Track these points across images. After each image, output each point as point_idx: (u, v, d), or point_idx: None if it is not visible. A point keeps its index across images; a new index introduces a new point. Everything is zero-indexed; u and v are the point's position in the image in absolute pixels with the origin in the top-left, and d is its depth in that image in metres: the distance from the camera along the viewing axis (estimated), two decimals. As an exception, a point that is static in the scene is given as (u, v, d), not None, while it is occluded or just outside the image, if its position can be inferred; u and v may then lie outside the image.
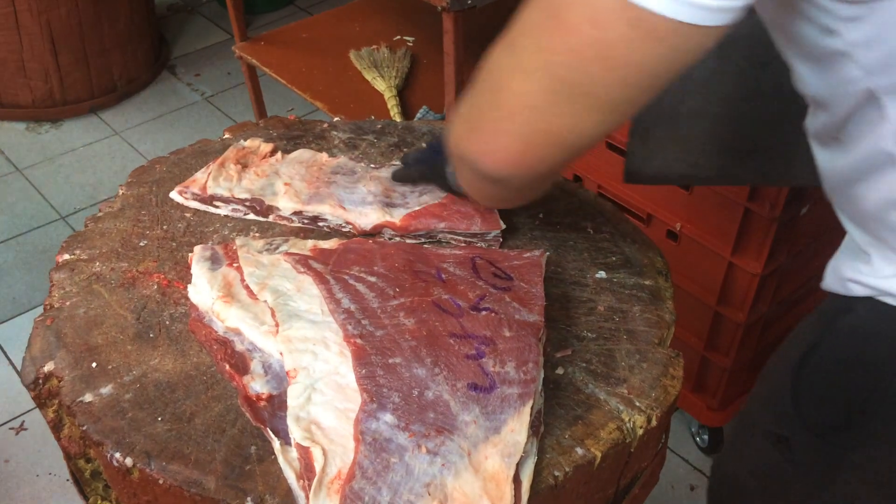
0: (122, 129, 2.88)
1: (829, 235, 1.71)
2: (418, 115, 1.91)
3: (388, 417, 0.76)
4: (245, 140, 1.11)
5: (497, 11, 1.87)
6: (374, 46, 2.24)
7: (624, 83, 0.64)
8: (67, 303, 0.90)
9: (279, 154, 1.08)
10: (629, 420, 0.82)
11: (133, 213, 1.03)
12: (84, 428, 0.78)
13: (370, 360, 0.79)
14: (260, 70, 2.25)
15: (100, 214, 1.03)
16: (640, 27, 0.60)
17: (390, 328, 0.82)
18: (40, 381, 0.83)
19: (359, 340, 0.81)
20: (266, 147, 1.09)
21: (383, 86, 2.05)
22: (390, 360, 0.79)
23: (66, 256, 0.96)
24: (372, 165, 1.07)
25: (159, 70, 3.18)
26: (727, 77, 1.02)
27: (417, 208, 0.98)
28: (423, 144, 1.09)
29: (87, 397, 0.81)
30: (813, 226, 1.55)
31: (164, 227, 1.01)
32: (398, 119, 1.91)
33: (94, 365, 0.84)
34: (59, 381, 0.82)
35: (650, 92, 0.66)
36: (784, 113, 1.00)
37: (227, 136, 1.18)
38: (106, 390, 0.81)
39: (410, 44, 2.29)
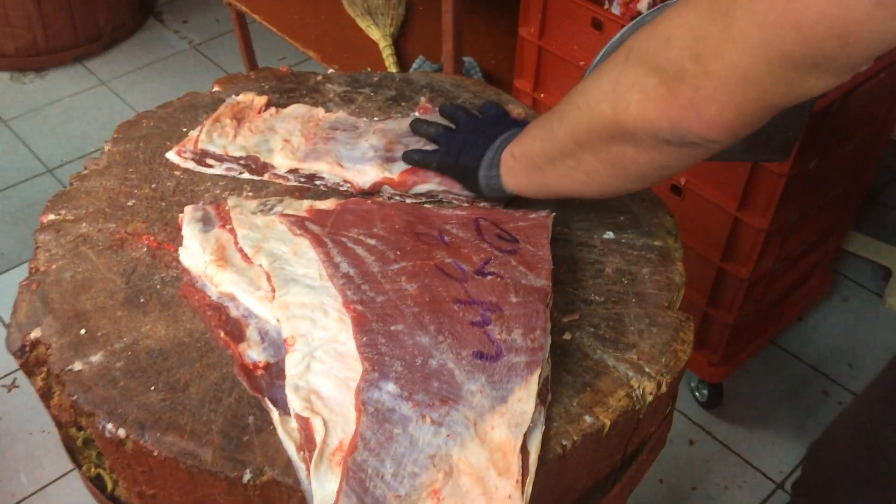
0: (108, 78, 2.81)
1: (837, 189, 1.68)
2: (414, 65, 1.85)
3: (390, 387, 0.73)
4: (237, 94, 1.07)
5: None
6: (368, -8, 2.16)
7: (857, 53, 0.60)
8: (53, 266, 0.87)
9: (273, 109, 1.03)
10: (638, 387, 0.79)
11: (120, 170, 0.99)
12: (74, 398, 0.75)
13: (371, 327, 0.76)
14: (249, 17, 2.18)
15: (85, 172, 0.98)
16: (888, 5, 0.56)
17: (391, 294, 0.79)
18: (27, 348, 0.80)
19: (359, 307, 0.78)
20: (260, 100, 1.05)
21: (378, 34, 1.99)
22: (392, 328, 0.76)
23: (52, 217, 0.92)
24: (375, 119, 1.02)
25: (145, 17, 3.09)
26: None
27: None
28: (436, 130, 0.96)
29: (77, 366, 0.77)
30: (820, 180, 1.51)
31: (153, 185, 0.97)
32: (394, 69, 1.85)
33: (82, 332, 0.80)
34: (47, 349, 0.79)
35: (878, 53, 0.62)
36: None
37: (216, 88, 1.13)
38: (96, 358, 0.78)
39: (405, -11, 2.22)
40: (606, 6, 1.72)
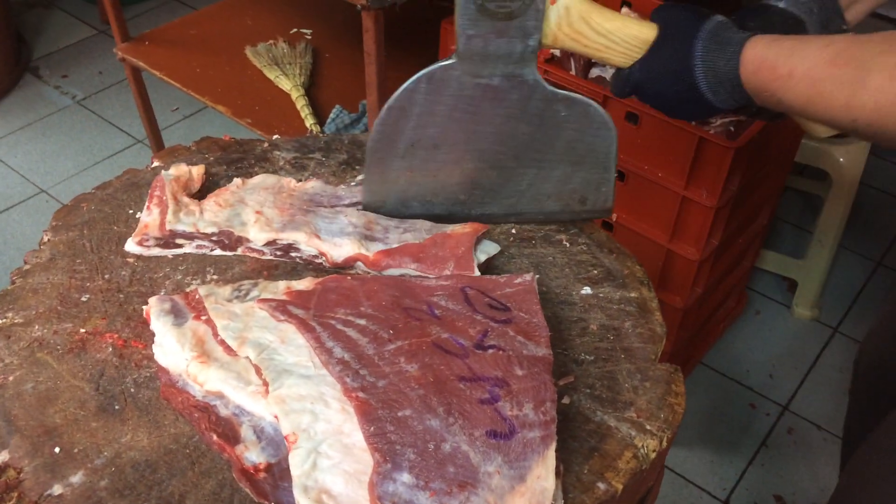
0: (-14, 141, 2.63)
1: (754, 214, 1.77)
2: (332, 115, 1.82)
3: (405, 477, 0.70)
4: (170, 169, 1.00)
5: (412, 7, 1.81)
6: (271, 41, 2.12)
7: None
8: (10, 377, 0.79)
9: (239, 180, 0.99)
10: (642, 446, 0.80)
11: (66, 262, 0.91)
12: (60, 528, 0.68)
13: (377, 415, 0.73)
14: (146, 72, 2.09)
15: (27, 267, 0.91)
16: None
17: (392, 377, 0.76)
18: (-6, 475, 0.72)
19: (361, 394, 0.75)
20: (199, 170, 1.00)
21: (288, 85, 1.95)
22: (399, 414, 0.74)
23: (-3, 321, 0.84)
24: (352, 183, 0.99)
25: (21, 73, 2.92)
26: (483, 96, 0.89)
27: (395, 245, 0.92)
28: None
29: (57, 489, 0.71)
30: (741, 208, 1.58)
31: (106, 276, 0.90)
32: (310, 121, 1.82)
33: (56, 450, 0.73)
34: (19, 473, 0.72)
35: None
36: (535, 140, 0.92)
37: (156, 163, 1.07)
38: (77, 479, 0.72)
39: (309, 37, 2.19)
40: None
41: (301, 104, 1.88)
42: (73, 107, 2.82)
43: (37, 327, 0.84)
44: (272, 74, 2.00)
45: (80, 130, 2.72)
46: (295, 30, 2.21)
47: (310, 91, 1.96)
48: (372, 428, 0.73)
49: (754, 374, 2.01)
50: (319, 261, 0.91)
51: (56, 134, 2.69)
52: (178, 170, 1.00)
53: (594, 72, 1.73)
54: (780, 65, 0.78)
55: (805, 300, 2.13)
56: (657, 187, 1.46)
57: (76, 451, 0.74)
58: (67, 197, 2.41)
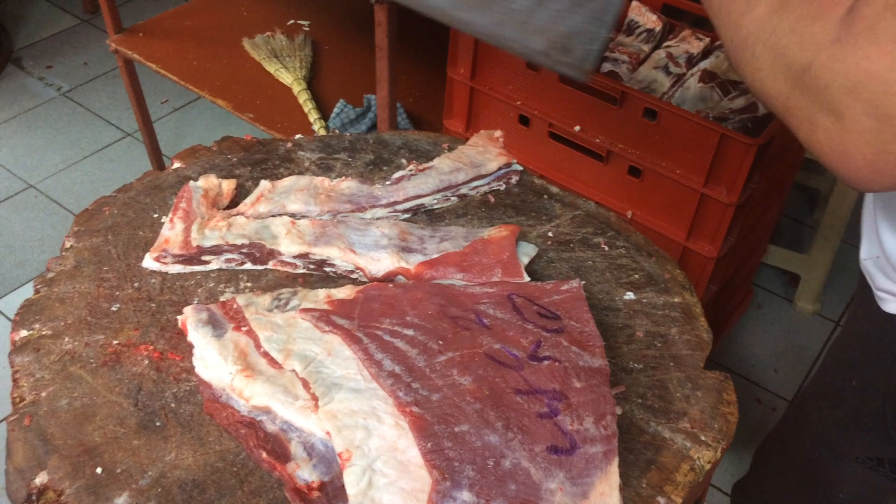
0: (-30, 135, 2.56)
1: (767, 211, 1.75)
2: (335, 110, 1.79)
3: (465, 496, 0.68)
4: (199, 181, 0.96)
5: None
6: (269, 33, 2.07)
7: None
8: (43, 393, 0.75)
9: (269, 184, 0.95)
10: (698, 457, 0.78)
11: (92, 270, 0.88)
12: (108, 554, 0.65)
13: (433, 430, 0.71)
14: (139, 64, 2.03)
15: (51, 275, 0.87)
16: None
17: (446, 390, 0.74)
18: (34, 497, 0.69)
19: (415, 409, 0.72)
20: (229, 184, 0.96)
21: (289, 78, 1.90)
22: (456, 429, 0.71)
23: (24, 333, 0.81)
24: (387, 182, 0.96)
25: (3, 64, 2.84)
26: None
27: (435, 256, 0.89)
28: None
29: (101, 513, 0.68)
30: (756, 205, 1.57)
31: (136, 284, 0.87)
32: (314, 115, 1.78)
33: (98, 470, 0.70)
34: (60, 495, 0.69)
35: None
36: None
37: (176, 164, 1.03)
38: (122, 501, 0.68)
39: (307, 28, 2.14)
40: (530, 43, 1.72)
41: (304, 98, 1.84)
42: (59, 99, 2.75)
43: (67, 339, 0.80)
44: (272, 67, 1.95)
45: (66, 123, 2.65)
46: (292, 21, 2.17)
47: (310, 84, 1.92)
48: (429, 444, 0.70)
49: (759, 369, 2.01)
50: (355, 276, 0.88)
51: (42, 127, 2.62)
52: (208, 182, 0.96)
53: (605, 66, 1.70)
54: None
55: (807, 294, 2.14)
56: (675, 184, 1.44)
57: (119, 471, 0.70)
58: (57, 192, 2.35)
